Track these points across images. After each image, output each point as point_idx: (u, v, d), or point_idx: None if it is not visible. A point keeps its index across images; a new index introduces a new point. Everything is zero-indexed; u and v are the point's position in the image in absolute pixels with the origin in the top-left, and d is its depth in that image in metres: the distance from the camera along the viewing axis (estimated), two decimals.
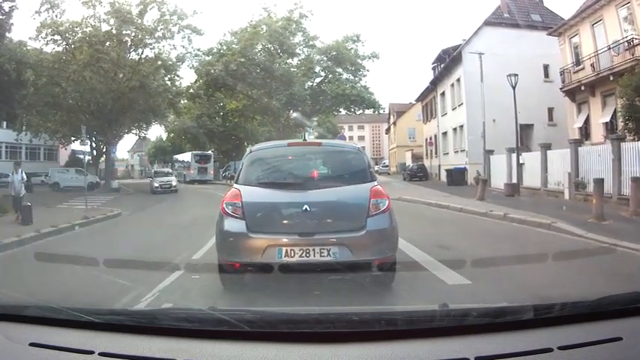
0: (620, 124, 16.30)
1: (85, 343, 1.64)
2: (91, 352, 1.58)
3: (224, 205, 4.81)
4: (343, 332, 1.66)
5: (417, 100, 44.92)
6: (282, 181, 5.04)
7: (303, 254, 4.47)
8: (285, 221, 4.75)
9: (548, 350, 1.51)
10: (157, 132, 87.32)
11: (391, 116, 62.36)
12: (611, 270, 5.91)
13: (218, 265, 4.93)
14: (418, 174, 35.29)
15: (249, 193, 4.82)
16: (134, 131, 41.59)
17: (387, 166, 59.87)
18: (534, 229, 9.68)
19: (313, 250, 4.47)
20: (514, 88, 18.78)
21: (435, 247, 7.44)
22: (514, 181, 19.39)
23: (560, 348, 1.52)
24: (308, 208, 4.60)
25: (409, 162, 45.17)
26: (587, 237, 8.34)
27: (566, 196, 15.95)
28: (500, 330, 1.66)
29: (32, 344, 1.66)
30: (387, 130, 69.21)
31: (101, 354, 1.58)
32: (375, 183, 5.00)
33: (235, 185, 5.01)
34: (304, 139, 5.72)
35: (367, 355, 1.52)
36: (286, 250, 4.49)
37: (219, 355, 1.57)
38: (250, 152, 5.47)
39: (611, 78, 17.96)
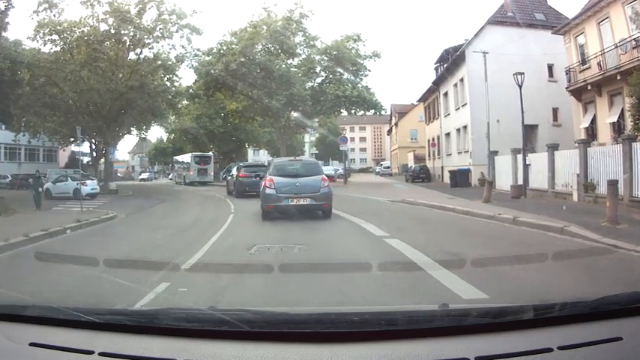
0: (630, 124, 15.92)
1: (85, 343, 1.65)
2: (91, 352, 1.60)
3: (266, 183, 12.14)
4: (343, 332, 1.66)
5: (419, 101, 44.60)
6: (288, 174, 12.42)
7: (296, 201, 11.82)
8: (290, 188, 11.93)
9: (548, 350, 1.51)
10: (157, 133, 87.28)
11: (393, 117, 61.98)
12: (636, 278, 5.52)
13: (261, 209, 12.47)
14: (420, 175, 34.97)
15: (276, 178, 12.16)
16: (134, 132, 41.35)
17: (388, 167, 58.76)
18: (546, 234, 9.20)
19: (300, 199, 11.84)
20: (520, 87, 18.32)
21: (443, 254, 7.04)
22: (520, 182, 18.96)
23: (560, 348, 1.52)
24: (299, 184, 12.01)
25: (411, 163, 44.76)
26: (602, 242, 7.87)
27: (575, 198, 15.54)
28: (500, 330, 1.66)
29: (32, 344, 1.68)
30: (389, 131, 68.84)
31: (101, 354, 1.59)
32: (323, 175, 12.67)
33: (268, 176, 12.53)
34: (296, 158, 14.02)
35: (367, 355, 1.53)
36: (290, 199, 11.80)
37: (219, 355, 1.57)
38: (274, 162, 13.69)
39: (619, 77, 17.63)
